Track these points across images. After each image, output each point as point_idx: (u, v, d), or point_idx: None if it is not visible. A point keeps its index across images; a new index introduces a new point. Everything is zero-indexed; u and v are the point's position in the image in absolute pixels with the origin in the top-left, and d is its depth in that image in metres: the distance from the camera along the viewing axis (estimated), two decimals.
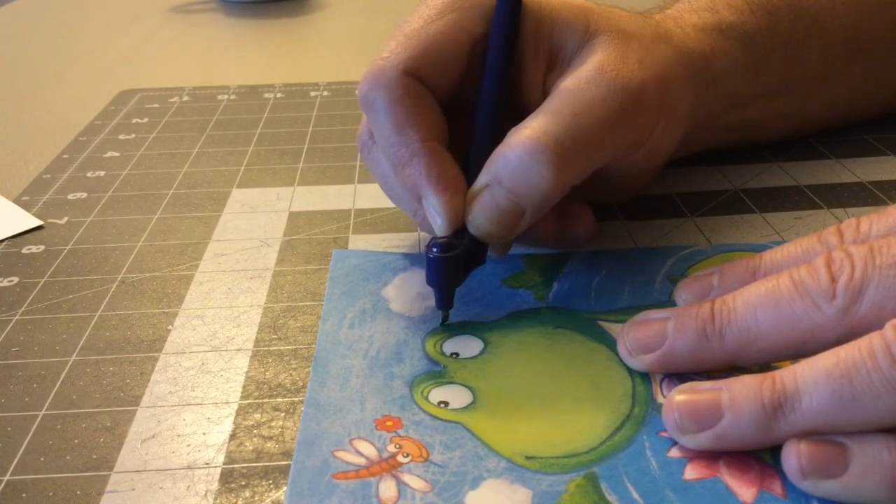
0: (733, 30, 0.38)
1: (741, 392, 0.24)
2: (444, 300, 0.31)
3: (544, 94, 0.33)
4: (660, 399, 0.27)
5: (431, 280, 0.31)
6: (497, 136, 0.31)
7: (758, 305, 0.26)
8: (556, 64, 0.33)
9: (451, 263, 0.31)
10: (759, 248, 0.36)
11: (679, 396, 0.26)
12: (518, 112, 0.32)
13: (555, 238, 0.35)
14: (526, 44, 0.33)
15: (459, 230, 0.31)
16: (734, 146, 0.44)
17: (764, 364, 0.27)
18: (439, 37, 0.32)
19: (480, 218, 0.31)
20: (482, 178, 0.31)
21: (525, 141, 0.30)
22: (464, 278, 0.32)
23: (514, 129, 0.31)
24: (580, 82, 0.31)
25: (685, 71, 0.35)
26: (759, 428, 0.24)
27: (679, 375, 0.28)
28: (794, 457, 0.23)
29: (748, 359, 0.27)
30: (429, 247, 0.31)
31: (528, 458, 0.25)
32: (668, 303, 0.32)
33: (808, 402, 0.23)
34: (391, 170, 0.33)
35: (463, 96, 0.34)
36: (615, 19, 0.34)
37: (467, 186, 0.32)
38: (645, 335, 0.28)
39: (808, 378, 0.23)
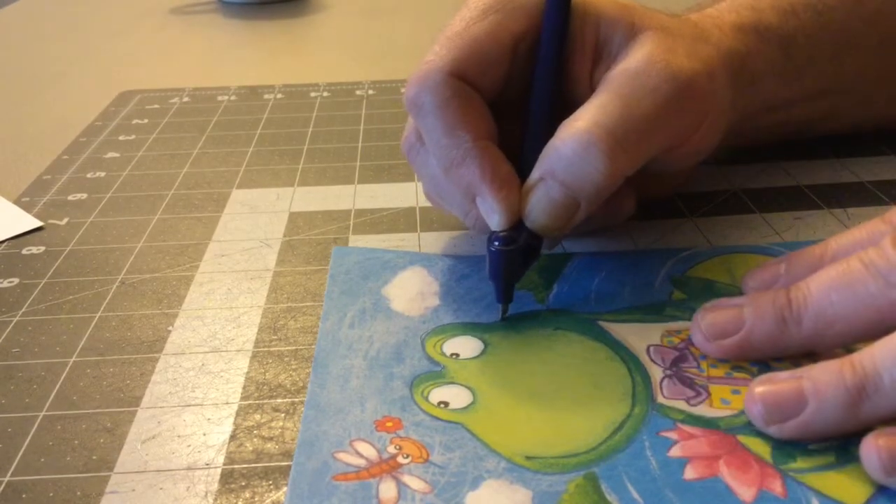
0: (771, 31, 0.38)
1: (822, 378, 0.25)
2: (504, 294, 0.32)
3: (591, 89, 0.33)
4: (659, 399, 0.27)
5: (492, 274, 0.31)
6: (550, 132, 0.31)
7: (832, 289, 0.27)
8: (602, 58, 0.33)
9: (512, 257, 0.31)
10: (759, 250, 0.36)
11: (760, 388, 0.26)
12: (565, 107, 0.32)
13: (599, 219, 0.35)
14: (572, 39, 0.33)
15: (516, 225, 0.31)
16: (776, 142, 0.44)
17: (837, 348, 0.28)
18: (483, 37, 0.32)
19: (536, 212, 0.31)
20: (536, 173, 0.31)
21: (577, 133, 0.30)
22: (523, 272, 0.32)
23: (565, 122, 0.31)
24: (629, 73, 0.32)
25: (726, 70, 0.35)
26: (845, 412, 0.24)
27: (678, 377, 0.28)
28: (874, 454, 0.24)
29: (826, 343, 0.27)
30: (490, 241, 0.31)
31: (528, 458, 0.25)
32: (669, 303, 0.32)
33: (889, 381, 0.24)
34: (442, 171, 0.33)
35: (506, 96, 0.34)
36: (658, 18, 0.34)
37: (521, 183, 0.32)
38: (722, 320, 0.29)
39: (886, 356, 0.24)
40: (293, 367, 0.30)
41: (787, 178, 0.42)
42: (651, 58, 0.32)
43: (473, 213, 0.33)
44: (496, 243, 0.31)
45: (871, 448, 0.24)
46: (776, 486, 0.24)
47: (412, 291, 0.34)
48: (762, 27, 0.38)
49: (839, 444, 0.25)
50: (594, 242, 0.37)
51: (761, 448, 0.25)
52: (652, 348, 0.30)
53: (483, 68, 0.33)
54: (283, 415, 0.28)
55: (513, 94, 0.34)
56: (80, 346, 0.32)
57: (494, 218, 0.31)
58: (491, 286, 0.33)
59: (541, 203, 0.31)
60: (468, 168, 0.31)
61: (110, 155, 0.50)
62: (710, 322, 0.29)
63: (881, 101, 0.44)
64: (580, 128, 0.30)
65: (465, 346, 0.31)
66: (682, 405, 0.27)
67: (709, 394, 0.28)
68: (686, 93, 0.32)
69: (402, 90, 0.58)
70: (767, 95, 0.39)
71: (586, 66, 0.33)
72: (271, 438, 0.27)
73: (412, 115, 0.33)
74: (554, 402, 0.28)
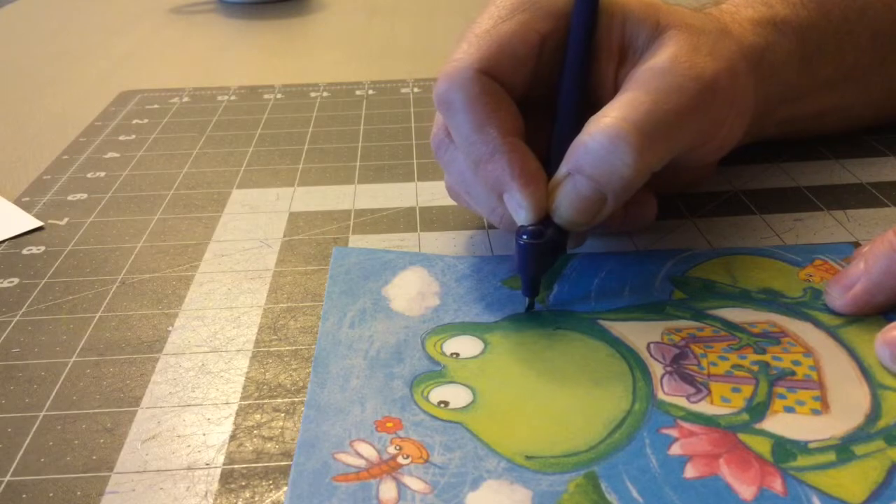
0: (787, 24, 0.39)
1: None
2: (532, 287, 0.32)
3: (616, 88, 0.33)
4: (660, 395, 0.27)
5: (520, 267, 0.31)
6: (577, 129, 0.32)
7: None
8: (628, 58, 0.34)
9: (540, 250, 0.31)
10: (759, 252, 0.36)
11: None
12: (590, 105, 0.33)
13: (621, 223, 0.35)
14: (599, 38, 0.33)
15: (542, 220, 0.31)
16: (786, 139, 0.45)
17: None
18: (511, 36, 0.33)
19: (563, 206, 0.31)
20: (563, 168, 0.31)
21: (605, 129, 0.30)
22: (550, 266, 0.32)
23: (592, 119, 0.31)
24: (655, 72, 0.32)
25: (747, 65, 0.36)
26: None
27: (679, 374, 0.28)
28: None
29: None
30: (518, 235, 0.31)
31: (528, 457, 0.25)
32: (669, 302, 0.32)
33: None
34: (471, 168, 0.33)
35: (532, 94, 0.34)
36: (682, 15, 0.35)
37: (548, 179, 0.32)
38: (844, 274, 0.32)
39: None
40: (293, 367, 0.30)
41: (787, 180, 0.43)
42: (676, 57, 0.32)
43: (500, 209, 0.33)
44: (524, 237, 0.31)
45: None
46: (776, 485, 0.24)
47: (412, 291, 0.34)
48: (778, 20, 0.39)
49: (840, 443, 0.25)
50: (594, 242, 0.37)
51: (761, 446, 0.25)
52: (652, 345, 0.30)
53: (511, 66, 0.33)
54: (283, 415, 0.28)
55: (538, 93, 0.34)
56: (80, 346, 0.32)
57: (521, 213, 0.31)
58: (490, 286, 0.33)
59: (568, 198, 0.31)
60: (496, 164, 0.31)
61: (110, 155, 0.50)
62: (835, 281, 0.32)
63: (879, 92, 0.45)
64: (608, 123, 0.30)
65: (466, 345, 0.31)
66: (682, 402, 0.27)
67: (709, 391, 0.28)
68: (710, 91, 0.32)
69: (403, 90, 0.59)
70: (784, 87, 0.40)
71: (612, 65, 0.34)
72: (271, 438, 0.27)
73: (441, 112, 0.33)
74: (554, 400, 0.28)
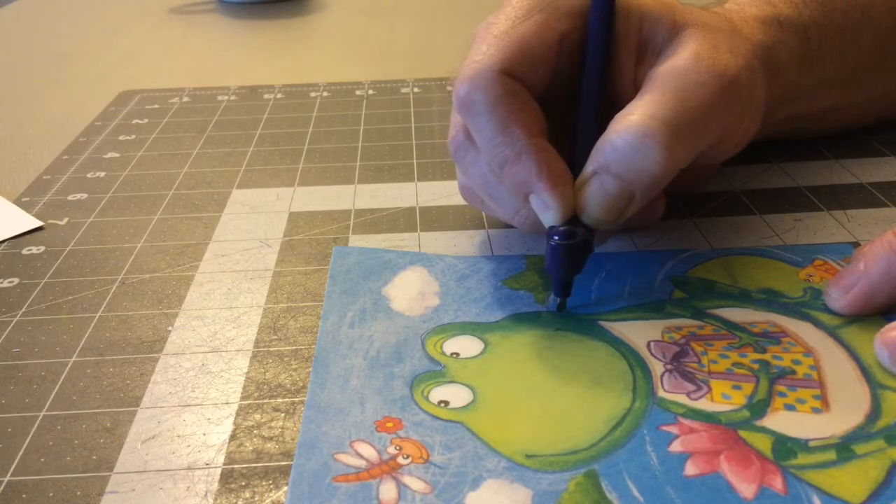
0: (790, 22, 0.39)
1: None
2: (563, 287, 0.32)
3: (635, 86, 0.33)
4: (660, 392, 0.27)
5: (551, 268, 0.31)
6: (599, 128, 0.32)
7: None
8: (646, 56, 0.34)
9: (571, 250, 0.31)
10: (759, 252, 0.36)
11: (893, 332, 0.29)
12: (610, 104, 0.33)
13: (640, 220, 0.35)
14: (616, 38, 0.33)
15: (571, 220, 0.31)
16: (786, 138, 0.45)
17: None
18: (530, 36, 0.33)
19: (591, 205, 0.31)
20: (589, 167, 0.31)
21: (633, 127, 0.30)
22: (583, 265, 0.32)
23: (618, 117, 0.31)
24: (678, 70, 0.32)
25: (759, 63, 0.36)
26: None
27: (679, 371, 0.28)
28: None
29: None
30: (549, 235, 0.31)
31: (528, 456, 0.25)
32: (669, 301, 0.32)
33: None
34: (495, 170, 0.33)
35: (549, 94, 0.34)
36: (697, 14, 0.35)
37: (573, 178, 0.32)
38: (844, 275, 0.32)
39: None
40: (293, 367, 0.30)
41: (787, 180, 0.43)
42: (698, 55, 0.32)
43: (524, 211, 0.33)
44: (556, 238, 0.31)
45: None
46: (777, 483, 0.24)
47: (412, 291, 0.34)
48: (782, 18, 0.39)
49: (840, 442, 0.25)
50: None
51: (762, 443, 0.25)
52: (653, 343, 0.30)
53: (531, 66, 0.33)
54: (283, 415, 0.28)
55: (555, 93, 0.34)
56: (80, 346, 0.32)
57: (549, 214, 0.31)
58: (490, 286, 0.33)
59: (595, 196, 0.31)
60: (523, 165, 0.31)
61: (110, 155, 0.50)
62: (835, 282, 0.32)
63: (880, 92, 0.45)
64: (635, 121, 0.30)
65: (466, 345, 0.31)
66: (682, 399, 0.27)
67: (709, 388, 0.28)
68: (732, 88, 0.33)
69: (403, 90, 0.59)
70: (788, 86, 0.40)
71: (630, 64, 0.34)
72: (271, 438, 0.27)
73: (462, 114, 0.33)
74: (554, 399, 0.28)
